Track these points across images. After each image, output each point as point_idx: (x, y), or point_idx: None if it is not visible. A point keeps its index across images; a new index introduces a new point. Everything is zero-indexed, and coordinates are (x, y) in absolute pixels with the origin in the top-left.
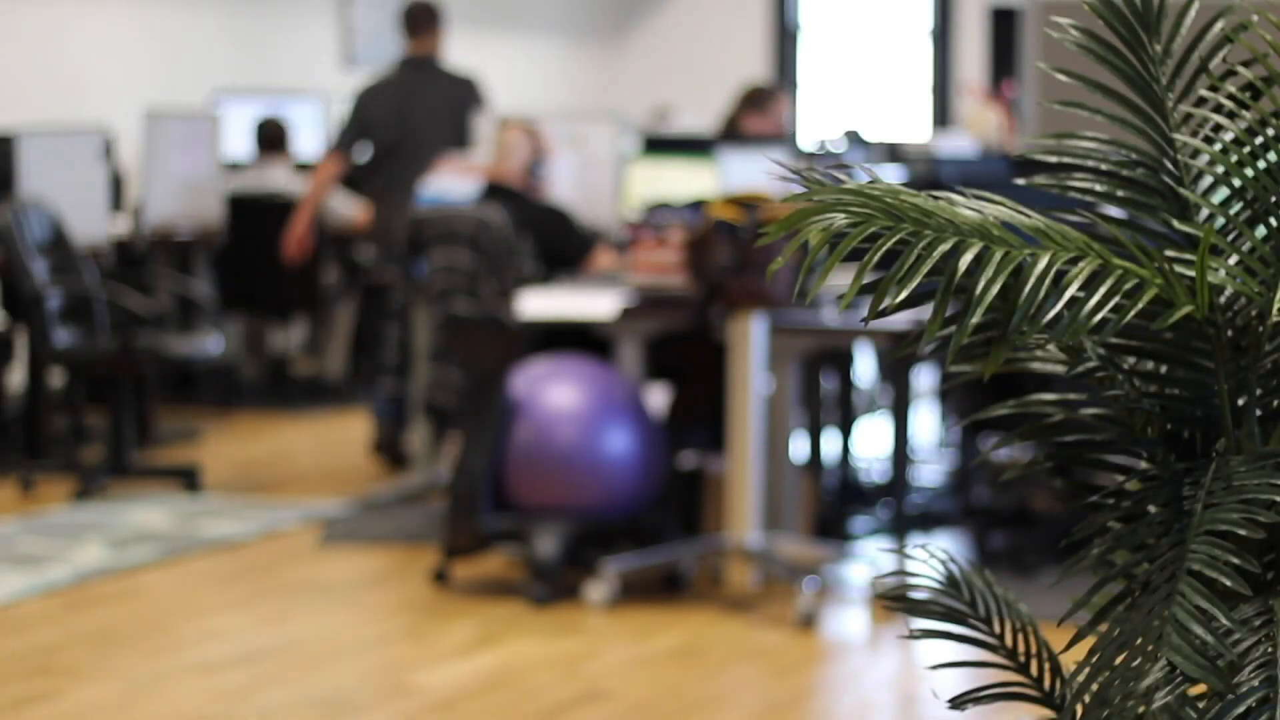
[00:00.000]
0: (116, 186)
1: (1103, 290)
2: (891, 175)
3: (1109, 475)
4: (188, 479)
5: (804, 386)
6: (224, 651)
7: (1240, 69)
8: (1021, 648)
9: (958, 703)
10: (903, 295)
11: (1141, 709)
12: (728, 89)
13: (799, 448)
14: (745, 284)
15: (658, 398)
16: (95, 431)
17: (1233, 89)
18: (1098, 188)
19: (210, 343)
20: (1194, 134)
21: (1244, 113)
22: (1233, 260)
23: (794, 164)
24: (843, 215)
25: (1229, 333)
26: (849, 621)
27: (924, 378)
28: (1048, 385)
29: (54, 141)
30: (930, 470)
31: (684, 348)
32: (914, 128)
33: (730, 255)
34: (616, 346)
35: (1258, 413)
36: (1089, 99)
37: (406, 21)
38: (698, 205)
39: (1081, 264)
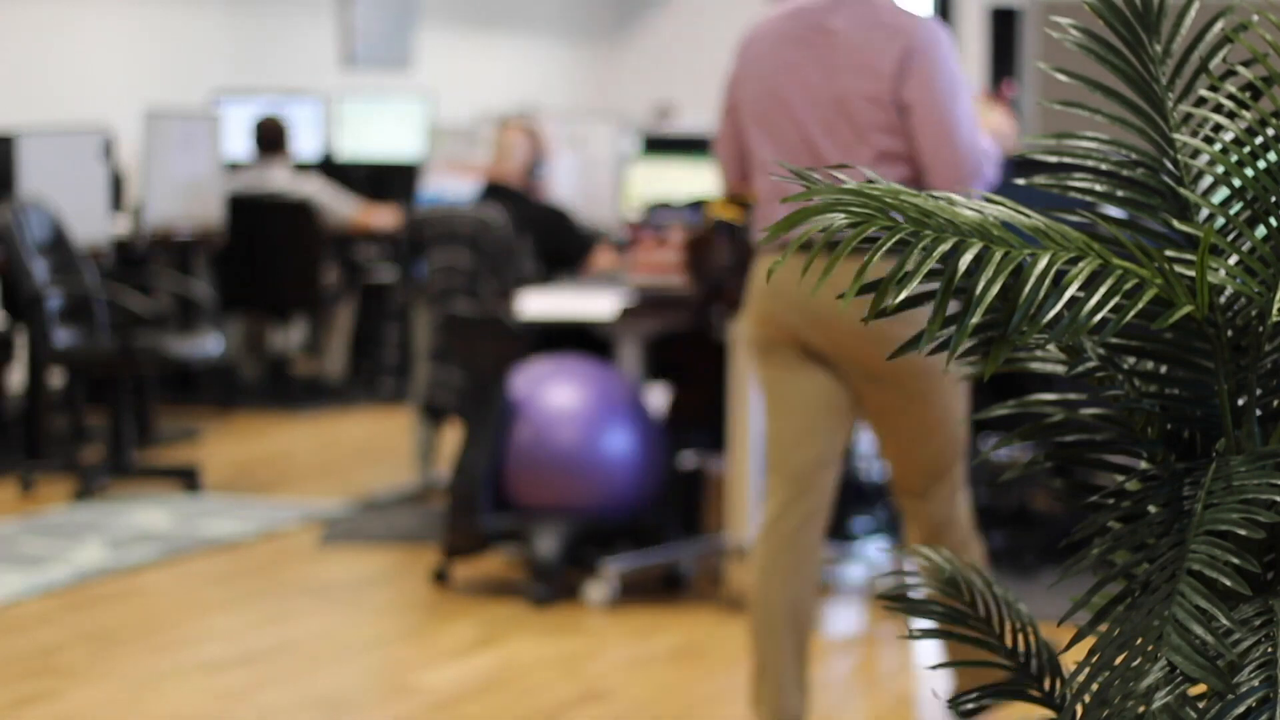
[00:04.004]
0: (116, 186)
1: (1103, 290)
2: None
3: (1109, 475)
4: (188, 479)
5: None
6: (224, 651)
7: (1240, 69)
8: (1021, 648)
9: (957, 703)
10: (903, 295)
11: (1141, 709)
12: None
13: None
14: (745, 284)
15: (658, 398)
16: (95, 431)
17: (1233, 89)
18: (1098, 188)
19: (210, 343)
20: (1194, 134)
21: (1244, 113)
22: (1233, 260)
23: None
24: (843, 215)
25: (1229, 333)
26: (849, 621)
27: None
28: (1048, 385)
29: (54, 141)
30: None
31: (684, 348)
32: None
33: (730, 255)
34: (616, 346)
35: (1258, 413)
36: (1089, 99)
37: None
38: (698, 205)
39: (1081, 264)
